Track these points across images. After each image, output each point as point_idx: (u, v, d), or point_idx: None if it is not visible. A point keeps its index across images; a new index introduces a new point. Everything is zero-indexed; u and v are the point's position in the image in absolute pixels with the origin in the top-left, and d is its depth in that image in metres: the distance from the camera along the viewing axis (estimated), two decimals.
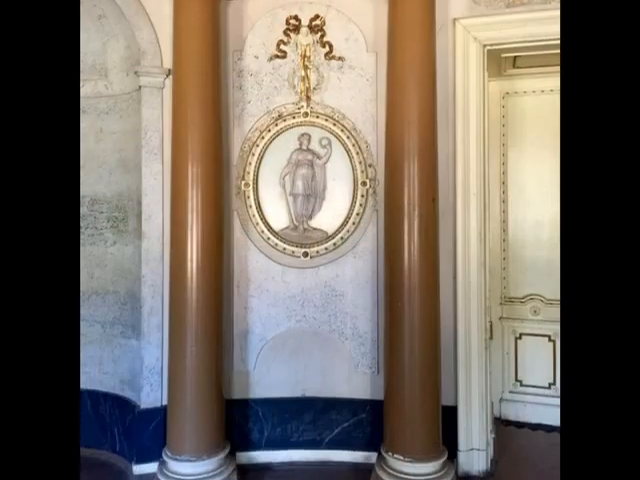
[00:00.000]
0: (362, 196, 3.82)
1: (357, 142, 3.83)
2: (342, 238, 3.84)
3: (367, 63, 3.84)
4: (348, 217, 3.84)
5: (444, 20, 3.73)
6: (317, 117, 3.84)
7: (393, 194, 3.60)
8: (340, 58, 3.85)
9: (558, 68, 3.42)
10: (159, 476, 3.51)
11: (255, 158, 3.86)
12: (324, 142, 3.87)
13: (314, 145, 3.87)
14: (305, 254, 3.84)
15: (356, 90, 3.85)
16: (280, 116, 3.87)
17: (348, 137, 3.83)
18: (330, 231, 3.86)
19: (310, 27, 3.84)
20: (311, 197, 3.85)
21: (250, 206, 3.87)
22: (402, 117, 3.56)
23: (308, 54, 3.84)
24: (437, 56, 3.63)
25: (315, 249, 3.85)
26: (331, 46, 3.84)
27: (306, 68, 3.84)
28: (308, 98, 3.84)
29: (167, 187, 3.73)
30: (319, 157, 3.86)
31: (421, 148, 3.53)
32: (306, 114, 3.84)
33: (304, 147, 3.86)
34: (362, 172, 3.82)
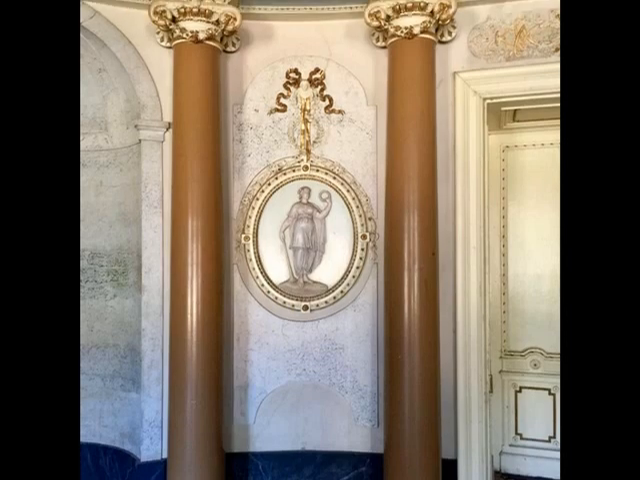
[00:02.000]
0: (362, 249, 3.82)
1: (357, 195, 3.83)
2: (342, 291, 3.83)
3: (367, 116, 3.84)
4: (348, 270, 3.84)
5: (444, 73, 3.74)
6: (317, 170, 3.85)
7: (393, 248, 3.61)
8: (340, 111, 3.85)
9: (558, 122, 3.41)
10: None
11: (255, 212, 3.86)
12: (324, 195, 3.87)
13: (314, 198, 3.87)
14: (305, 307, 3.84)
15: (356, 143, 3.85)
16: (280, 169, 3.87)
17: (348, 190, 3.83)
18: (330, 284, 3.86)
19: (310, 80, 3.85)
20: (311, 250, 3.85)
21: (250, 259, 3.87)
22: (402, 171, 3.58)
23: (308, 107, 3.84)
24: (437, 109, 3.65)
25: (315, 302, 3.84)
26: (331, 99, 3.85)
27: (306, 121, 3.84)
28: (308, 151, 3.85)
29: (167, 240, 3.74)
30: (319, 210, 3.87)
31: (421, 202, 3.55)
32: (306, 167, 3.85)
33: (304, 200, 3.86)
34: (362, 225, 3.83)
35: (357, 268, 3.83)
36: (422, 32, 3.52)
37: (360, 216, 3.83)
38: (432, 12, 3.51)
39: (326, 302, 3.85)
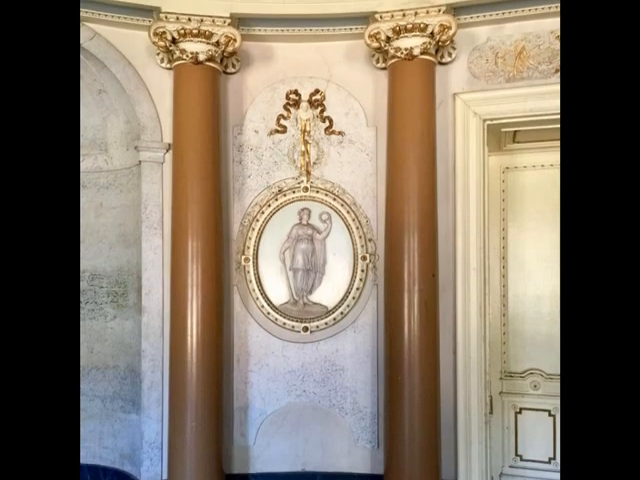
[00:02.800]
0: (362, 271, 3.82)
1: (357, 217, 3.83)
2: (342, 313, 3.83)
3: (367, 137, 3.84)
4: (348, 292, 3.83)
5: (444, 95, 3.74)
6: (317, 192, 3.85)
7: (393, 269, 3.61)
8: (340, 133, 3.85)
9: (558, 143, 3.41)
10: None
11: (255, 233, 3.86)
12: (324, 217, 3.87)
13: (314, 220, 3.87)
14: (305, 329, 3.84)
15: (356, 165, 3.85)
16: (280, 191, 3.87)
17: (348, 212, 3.83)
18: (330, 306, 3.86)
19: (310, 102, 3.84)
20: (311, 272, 3.85)
21: (250, 281, 3.87)
22: (402, 192, 3.57)
23: (308, 129, 3.84)
24: (437, 130, 3.65)
25: (315, 324, 3.84)
26: (331, 121, 3.85)
27: (306, 143, 3.84)
28: (308, 173, 3.84)
29: (167, 262, 3.74)
30: (319, 232, 3.86)
31: (421, 223, 3.55)
32: (306, 189, 3.85)
33: (304, 222, 3.86)
34: (362, 247, 3.82)
35: (357, 289, 3.83)
36: (422, 53, 3.53)
37: (360, 237, 3.82)
38: (432, 33, 3.51)
39: (326, 323, 3.84)
